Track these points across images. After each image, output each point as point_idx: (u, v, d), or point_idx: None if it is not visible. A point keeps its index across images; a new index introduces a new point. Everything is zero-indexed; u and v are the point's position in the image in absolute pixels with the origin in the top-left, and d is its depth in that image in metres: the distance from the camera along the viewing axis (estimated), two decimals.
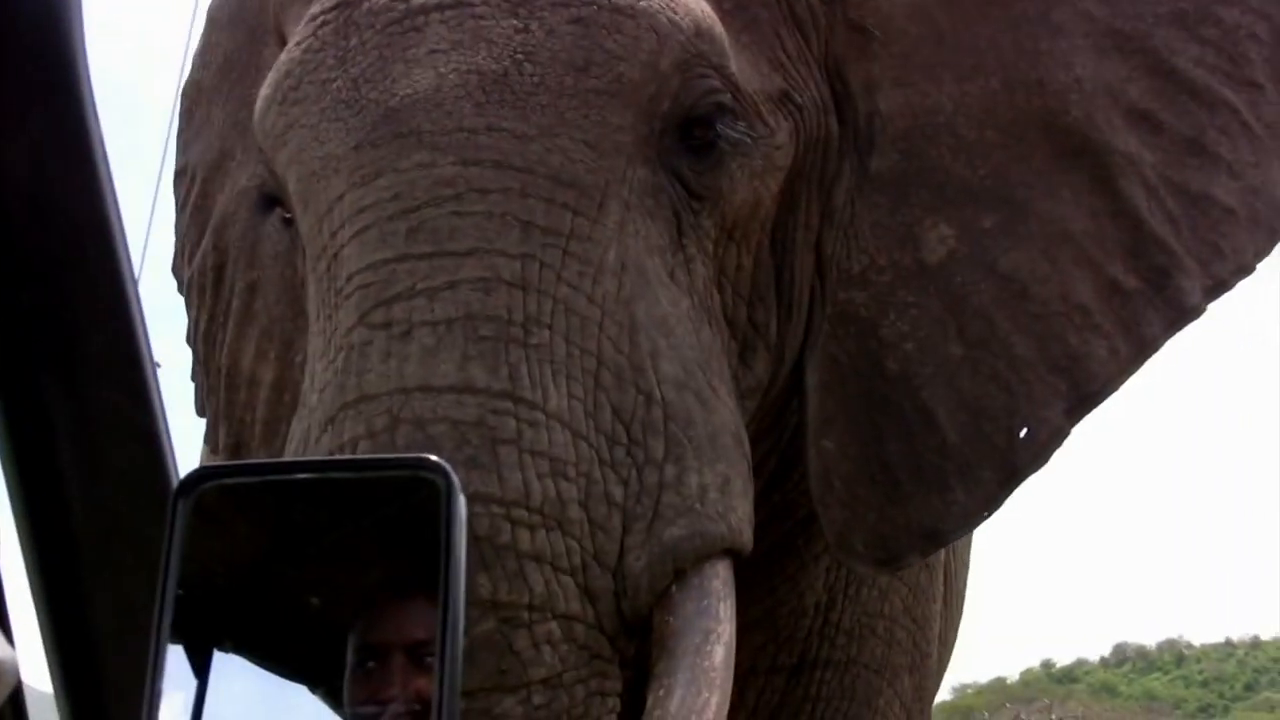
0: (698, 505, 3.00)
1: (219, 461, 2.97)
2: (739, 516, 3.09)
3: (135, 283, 1.66)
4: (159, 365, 1.75)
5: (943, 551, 4.57)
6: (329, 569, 1.70)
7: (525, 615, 2.82)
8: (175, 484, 1.56)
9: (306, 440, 3.05)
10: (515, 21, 3.18)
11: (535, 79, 3.15)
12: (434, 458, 1.57)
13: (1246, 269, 3.91)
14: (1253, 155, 3.91)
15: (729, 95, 3.32)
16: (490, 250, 3.01)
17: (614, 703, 2.95)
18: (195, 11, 2.93)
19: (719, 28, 3.35)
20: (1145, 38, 3.89)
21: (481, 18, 3.16)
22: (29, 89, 1.53)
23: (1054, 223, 3.73)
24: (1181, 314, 3.82)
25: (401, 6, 3.20)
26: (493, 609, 2.77)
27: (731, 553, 3.08)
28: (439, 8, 3.18)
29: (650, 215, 3.20)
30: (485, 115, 3.11)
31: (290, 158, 3.26)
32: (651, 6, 3.24)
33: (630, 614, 2.93)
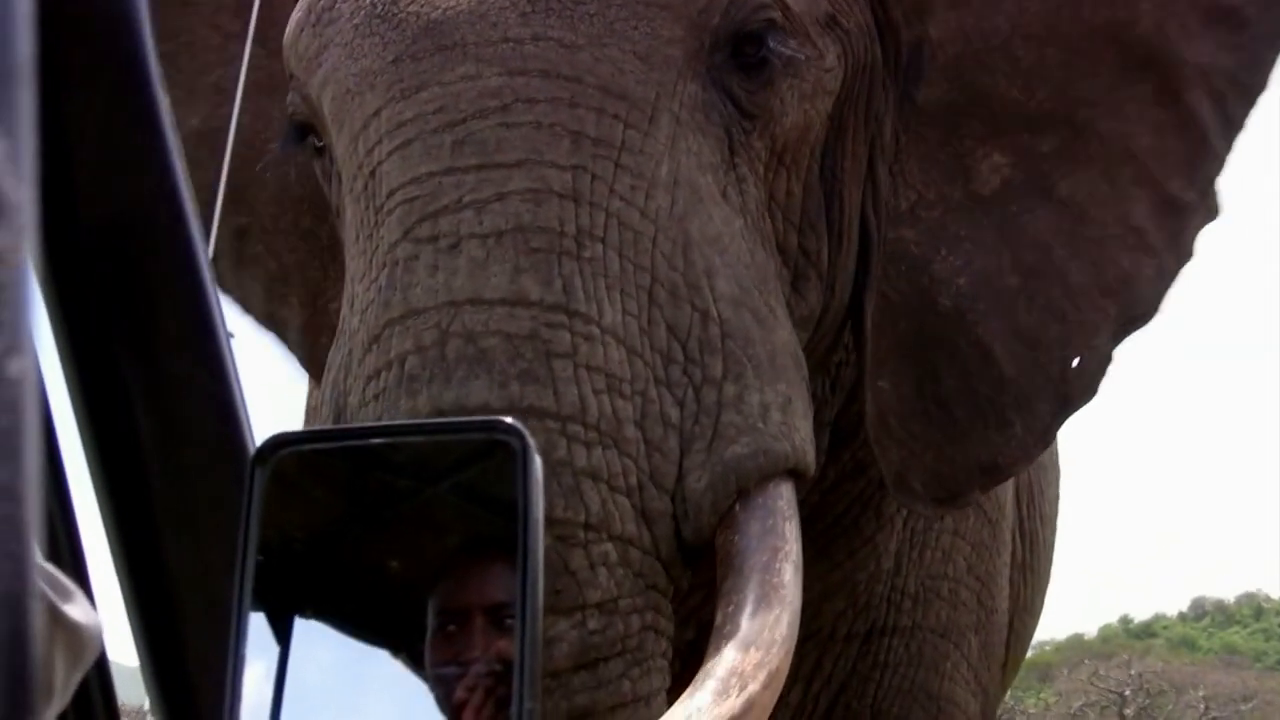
0: (760, 424, 2.97)
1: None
2: (802, 437, 3.06)
3: (207, 252, 1.66)
4: (232, 335, 1.75)
5: (1009, 508, 4.54)
6: (408, 533, 1.71)
7: (581, 534, 2.80)
8: (252, 452, 1.56)
9: (348, 366, 3.04)
10: None
11: None
12: (509, 420, 1.56)
13: None
14: None
15: (779, 13, 3.28)
16: (540, 161, 2.97)
17: (667, 645, 2.93)
18: None
19: None
20: None
21: None
22: (95, 61, 1.53)
23: (1117, 141, 3.68)
24: (1214, 217, 3.80)
25: None
26: (548, 526, 2.74)
27: (795, 474, 3.05)
28: None
29: (702, 132, 3.16)
30: (531, 25, 3.06)
31: (325, 78, 3.22)
32: None
33: (691, 537, 2.90)
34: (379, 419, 2.88)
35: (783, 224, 3.35)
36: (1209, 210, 3.82)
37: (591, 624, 2.79)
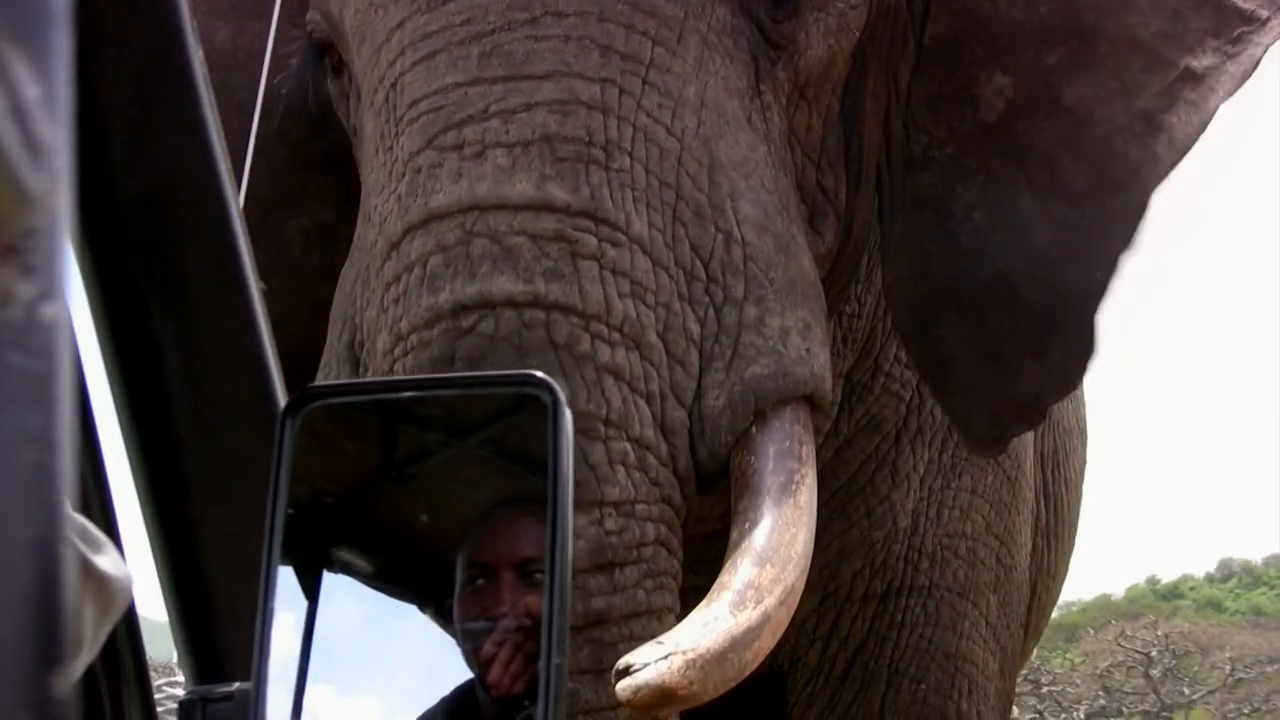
0: (780, 347, 2.98)
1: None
2: (821, 364, 3.07)
3: (239, 206, 1.66)
4: (263, 288, 1.75)
5: (1028, 466, 4.53)
6: (437, 487, 1.71)
7: (602, 429, 2.81)
8: (282, 405, 1.56)
9: (365, 280, 3.04)
10: None
11: None
12: (540, 374, 1.56)
13: None
14: None
15: None
16: (568, 74, 2.97)
17: (678, 566, 2.93)
18: None
19: None
20: None
21: None
22: (130, 14, 1.52)
23: (1123, 35, 3.69)
24: (1246, 76, 3.78)
25: None
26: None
27: (811, 401, 3.05)
28: None
29: (729, 56, 3.16)
30: None
31: None
32: None
33: (707, 456, 2.91)
34: (399, 323, 2.89)
35: (801, 159, 3.36)
36: (1241, 70, 3.78)
37: (609, 523, 2.81)
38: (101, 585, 1.27)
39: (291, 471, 1.50)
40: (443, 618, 1.73)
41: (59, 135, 0.72)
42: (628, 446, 2.84)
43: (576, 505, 2.69)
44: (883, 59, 3.56)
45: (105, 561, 1.27)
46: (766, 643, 2.79)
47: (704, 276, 2.98)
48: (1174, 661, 31.56)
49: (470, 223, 2.88)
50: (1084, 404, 5.48)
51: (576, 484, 2.70)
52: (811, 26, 3.31)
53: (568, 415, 1.52)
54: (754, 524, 2.90)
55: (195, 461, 1.66)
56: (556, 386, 1.54)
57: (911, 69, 3.63)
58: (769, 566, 2.83)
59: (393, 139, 3.04)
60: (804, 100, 3.35)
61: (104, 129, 1.51)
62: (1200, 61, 3.75)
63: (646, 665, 2.58)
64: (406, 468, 1.68)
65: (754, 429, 2.97)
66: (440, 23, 3.02)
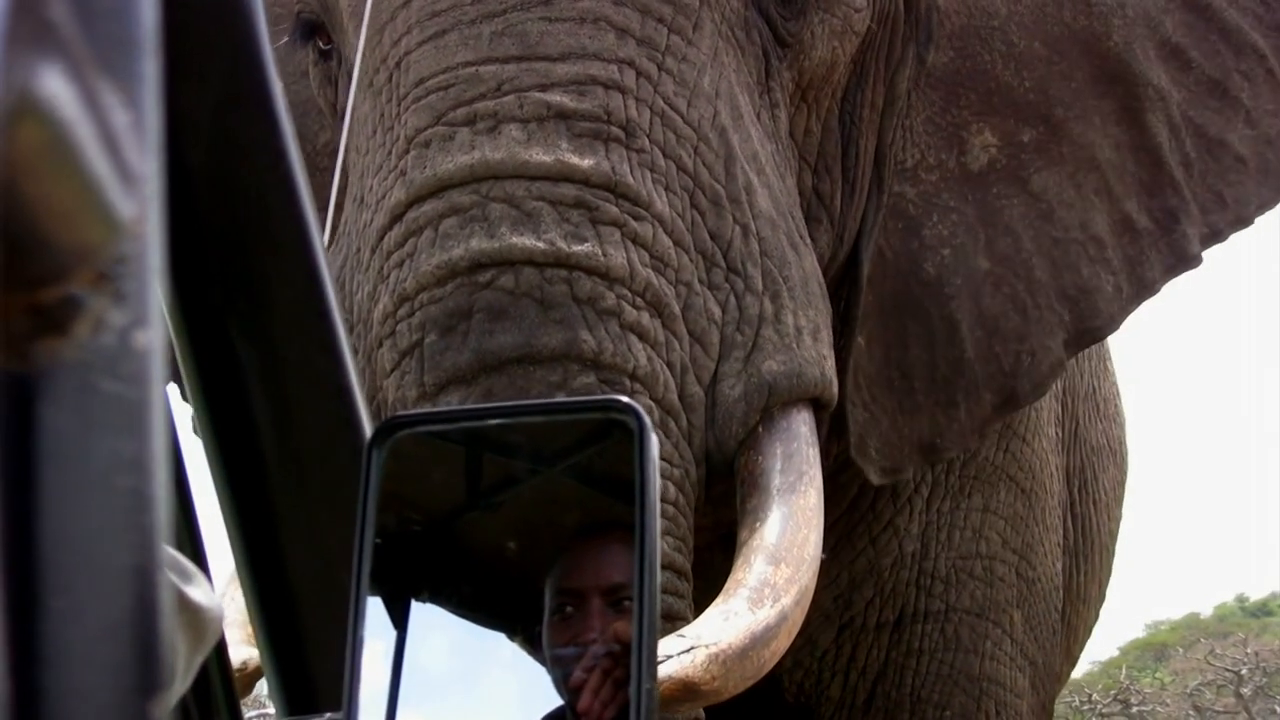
0: (794, 345, 2.96)
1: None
2: (830, 367, 3.07)
3: (322, 236, 1.66)
4: (347, 317, 1.75)
5: (1049, 480, 4.49)
6: (524, 514, 1.70)
7: (627, 383, 2.80)
8: (368, 434, 1.56)
9: (357, 261, 3.00)
10: None
11: None
12: (625, 399, 1.56)
13: (1245, 221, 3.92)
14: (1272, 104, 3.91)
15: None
16: (584, 54, 2.95)
17: (691, 538, 2.91)
18: None
19: None
20: None
21: None
22: (209, 45, 1.53)
23: (1084, 148, 3.73)
24: (1181, 261, 3.82)
25: None
26: (594, 367, 2.74)
27: (818, 404, 3.03)
28: None
29: (741, 49, 3.16)
30: None
31: None
32: None
33: (714, 445, 2.89)
34: (403, 283, 2.86)
35: (799, 162, 3.35)
36: (1173, 250, 3.83)
37: None
38: (194, 616, 1.27)
39: (378, 501, 1.50)
40: (532, 645, 1.73)
41: (148, 163, 0.72)
42: (653, 404, 2.83)
43: None
44: (880, 67, 3.57)
45: (197, 593, 1.28)
46: (783, 643, 2.79)
47: (723, 264, 2.97)
48: (1265, 679, 31.17)
49: (486, 189, 2.84)
50: (1117, 423, 5.43)
51: None
52: (817, 27, 3.31)
53: (653, 440, 1.51)
54: (765, 522, 2.89)
55: (282, 492, 1.67)
56: (642, 411, 1.53)
57: (911, 80, 3.63)
58: (784, 566, 2.82)
59: (394, 119, 3.00)
60: (804, 102, 3.35)
61: (185, 161, 1.51)
62: (1138, 219, 3.79)
63: (669, 658, 2.57)
64: (493, 495, 1.68)
65: (761, 429, 2.96)
66: (449, 1, 3.00)
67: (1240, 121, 3.92)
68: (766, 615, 2.74)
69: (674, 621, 2.86)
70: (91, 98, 0.68)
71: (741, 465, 2.96)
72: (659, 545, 1.51)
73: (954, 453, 3.84)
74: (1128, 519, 5.45)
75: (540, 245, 2.81)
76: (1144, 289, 3.85)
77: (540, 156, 2.85)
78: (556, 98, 2.90)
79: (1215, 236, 3.91)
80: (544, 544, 1.73)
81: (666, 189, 2.94)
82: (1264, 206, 3.97)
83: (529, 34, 2.94)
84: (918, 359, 3.68)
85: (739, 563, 2.86)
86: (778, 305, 3.00)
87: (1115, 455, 5.32)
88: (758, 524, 2.90)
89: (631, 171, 2.91)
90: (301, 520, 1.69)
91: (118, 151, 0.69)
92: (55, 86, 0.64)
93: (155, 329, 0.71)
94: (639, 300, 2.85)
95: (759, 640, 2.70)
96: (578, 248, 2.82)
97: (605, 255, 2.83)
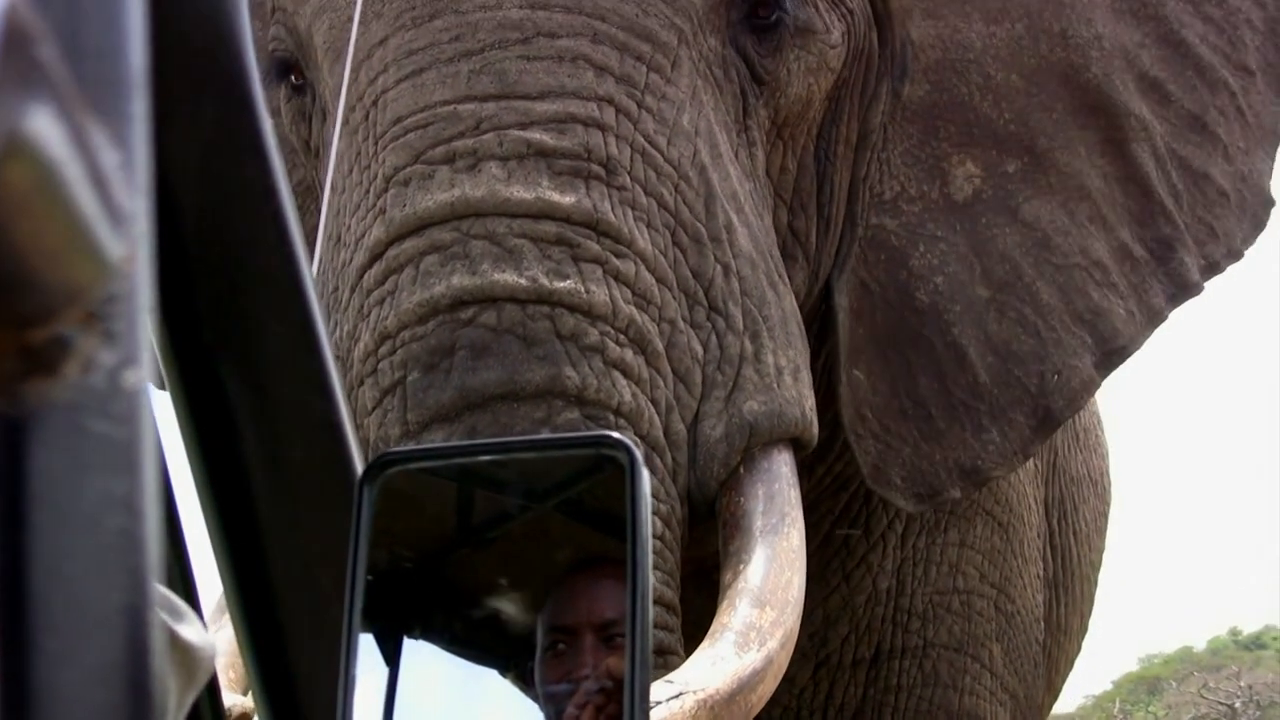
0: (775, 385, 2.96)
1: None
2: (810, 406, 3.06)
3: (311, 272, 1.66)
4: (337, 354, 1.75)
5: (1026, 513, 4.49)
6: (515, 550, 1.70)
7: (611, 418, 2.79)
8: (359, 471, 1.57)
9: (335, 300, 2.98)
10: None
11: None
12: (617, 435, 1.56)
13: (1236, 254, 3.95)
14: (1244, 141, 3.95)
15: None
16: (564, 93, 2.94)
17: (677, 576, 2.91)
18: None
19: None
20: (1158, 5, 3.94)
21: None
22: (200, 88, 1.54)
23: (1072, 177, 3.75)
24: (1182, 289, 3.83)
25: None
26: (579, 403, 2.74)
27: (797, 444, 3.03)
28: None
29: (719, 88, 3.16)
30: None
31: (321, 6, 3.17)
32: None
33: (696, 486, 2.89)
34: (384, 321, 2.84)
35: (774, 200, 3.35)
36: (1173, 279, 3.85)
37: None
38: (186, 654, 1.27)
39: (370, 537, 1.50)
40: (524, 682, 1.72)
41: (138, 202, 0.72)
42: (638, 439, 2.83)
43: None
44: (855, 102, 3.58)
45: (188, 631, 1.27)
46: (770, 686, 2.79)
47: (705, 302, 2.97)
48: (1259, 713, 31.12)
49: (467, 226, 2.83)
50: (1098, 454, 5.42)
51: None
52: (793, 63, 3.32)
53: (645, 476, 1.51)
54: (749, 565, 2.89)
55: (273, 529, 1.66)
56: (634, 447, 1.53)
57: (886, 114, 3.64)
58: (768, 609, 2.82)
59: (371, 158, 2.99)
60: (780, 139, 3.35)
61: (174, 199, 1.51)
62: (1134, 247, 3.81)
63: (658, 704, 2.57)
64: (485, 532, 1.68)
65: (742, 470, 2.97)
66: (427, 39, 2.98)
67: (1220, 156, 3.96)
68: (753, 659, 2.74)
69: (665, 655, 2.85)
70: (80, 137, 0.68)
71: (723, 506, 2.96)
72: (651, 580, 1.51)
73: (1000, 474, 3.83)
74: (1120, 551, 5.44)
75: (522, 282, 2.80)
76: (1154, 316, 3.87)
77: (521, 194, 2.84)
78: (536, 135, 2.89)
79: (1213, 268, 3.93)
80: (536, 580, 1.73)
81: (648, 226, 2.94)
82: (1246, 241, 4.00)
83: (507, 72, 2.94)
84: (928, 388, 3.67)
85: (724, 606, 2.85)
86: (758, 345, 3.01)
87: (1096, 486, 5.31)
88: (741, 566, 2.89)
89: (613, 209, 2.91)
90: (293, 557, 1.69)
91: (107, 191, 0.69)
92: (44, 126, 0.64)
93: (145, 369, 0.71)
94: (622, 337, 2.85)
95: (746, 685, 2.70)
96: (560, 284, 2.81)
97: (588, 292, 2.83)
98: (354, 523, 1.48)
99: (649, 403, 2.86)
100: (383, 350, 2.86)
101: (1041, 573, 4.62)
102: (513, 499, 1.66)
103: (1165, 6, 3.95)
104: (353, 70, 3.04)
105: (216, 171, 1.58)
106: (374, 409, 2.85)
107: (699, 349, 2.94)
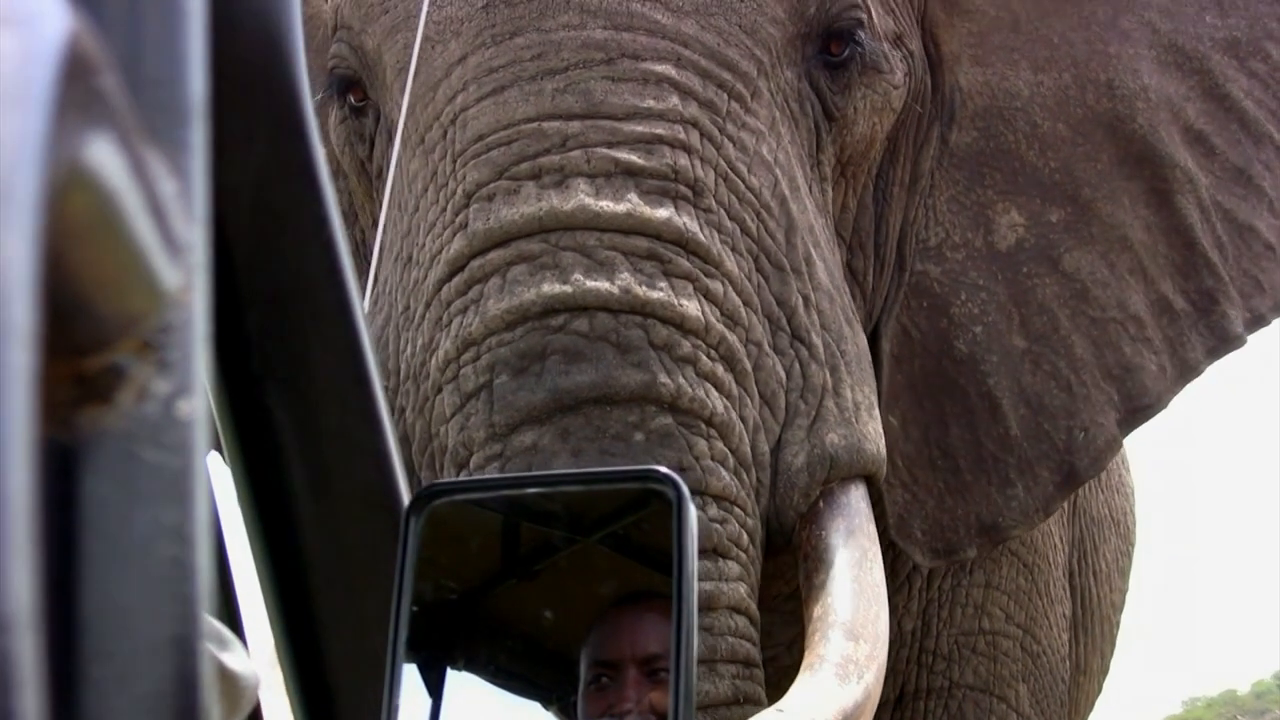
0: (854, 420, 2.96)
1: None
2: (883, 444, 3.05)
3: (362, 303, 1.67)
4: (386, 385, 1.75)
5: (1053, 554, 4.47)
6: (560, 583, 1.70)
7: (703, 428, 2.79)
8: (406, 502, 1.56)
9: (407, 319, 2.96)
10: None
11: None
12: (663, 469, 1.55)
13: None
14: None
15: (866, 15, 3.29)
16: (650, 114, 2.93)
17: (755, 609, 2.90)
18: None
19: None
20: (1203, 59, 3.92)
21: None
22: (253, 118, 1.54)
23: (1115, 228, 3.74)
24: (1224, 342, 3.83)
25: None
26: (672, 410, 2.73)
27: (870, 481, 3.03)
28: None
29: (796, 122, 3.16)
30: None
31: (393, 25, 3.16)
32: None
33: (775, 515, 2.88)
34: (468, 328, 2.83)
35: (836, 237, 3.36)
36: (1214, 331, 3.85)
37: (711, 511, 2.79)
38: (231, 684, 1.27)
39: (416, 568, 1.50)
40: (567, 715, 1.72)
41: (194, 232, 0.72)
42: (728, 451, 2.82)
43: None
44: (909, 145, 3.58)
45: (234, 660, 1.27)
46: (868, 719, 2.78)
47: (788, 329, 2.97)
48: None
49: (556, 239, 2.83)
50: (1121, 493, 5.39)
51: (681, 468, 2.70)
52: (860, 101, 3.32)
53: (692, 511, 1.51)
54: (836, 597, 2.88)
55: (319, 559, 1.66)
56: (680, 481, 1.53)
57: (934, 159, 3.65)
58: (862, 642, 2.82)
59: (449, 175, 2.96)
60: (843, 177, 3.36)
61: (226, 227, 1.52)
62: (1175, 300, 3.81)
63: None
64: (530, 564, 1.67)
65: (821, 503, 2.96)
66: (508, 57, 2.97)
67: (1265, 209, 3.96)
68: (854, 692, 2.74)
69: (749, 667, 2.86)
70: (139, 166, 0.68)
71: (804, 540, 2.95)
72: (696, 616, 1.50)
73: (1020, 532, 3.82)
74: (1164, 593, 5.40)
75: (615, 290, 2.80)
76: (1188, 370, 3.85)
77: (612, 208, 2.84)
78: (624, 154, 2.89)
79: (1259, 321, 3.92)
80: (580, 613, 1.73)
81: (733, 250, 2.94)
82: None
83: (593, 91, 2.93)
84: (959, 438, 3.66)
85: (815, 638, 2.84)
86: (837, 378, 3.00)
87: (1118, 526, 5.28)
88: (829, 599, 2.89)
89: (701, 229, 2.91)
90: (338, 586, 1.69)
91: (164, 220, 0.70)
92: (104, 156, 0.64)
93: (199, 398, 0.71)
94: (713, 352, 2.85)
95: (850, 716, 2.70)
96: (654, 295, 2.81)
97: (680, 305, 2.83)
98: (399, 552, 1.48)
99: (739, 419, 2.86)
100: (465, 357, 2.84)
101: (1067, 613, 4.60)
102: (559, 531, 1.66)
103: (1210, 60, 3.95)
104: (429, 88, 3.03)
105: (268, 199, 1.58)
106: (454, 414, 2.83)
107: (783, 375, 2.94)
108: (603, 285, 2.79)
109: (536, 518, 1.66)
